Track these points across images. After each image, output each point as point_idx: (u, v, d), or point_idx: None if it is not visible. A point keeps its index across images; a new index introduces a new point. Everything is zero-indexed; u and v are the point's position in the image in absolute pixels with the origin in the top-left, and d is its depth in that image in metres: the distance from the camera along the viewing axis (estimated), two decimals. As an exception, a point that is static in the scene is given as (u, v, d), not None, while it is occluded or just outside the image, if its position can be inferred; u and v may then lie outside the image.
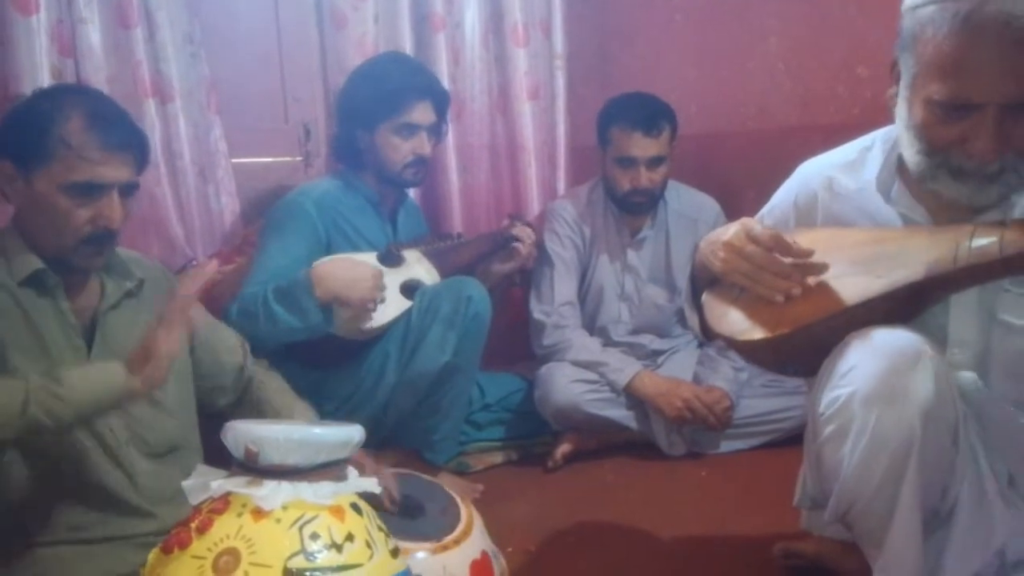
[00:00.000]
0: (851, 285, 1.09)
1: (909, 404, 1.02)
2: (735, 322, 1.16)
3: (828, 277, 1.12)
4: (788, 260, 1.12)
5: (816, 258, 1.12)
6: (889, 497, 1.05)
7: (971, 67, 1.04)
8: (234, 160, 2.12)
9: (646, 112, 2.17)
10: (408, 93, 1.92)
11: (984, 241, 1.01)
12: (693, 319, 1.33)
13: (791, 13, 2.46)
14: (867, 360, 1.05)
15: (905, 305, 1.08)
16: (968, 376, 1.14)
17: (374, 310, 1.79)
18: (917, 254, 1.06)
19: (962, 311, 1.15)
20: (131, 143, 1.24)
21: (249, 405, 1.47)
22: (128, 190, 1.24)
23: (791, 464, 1.39)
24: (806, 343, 1.11)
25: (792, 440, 1.88)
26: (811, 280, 1.12)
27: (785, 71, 2.51)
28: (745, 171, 2.44)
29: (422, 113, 1.95)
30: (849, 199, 1.25)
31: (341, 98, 2.02)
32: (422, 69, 2.07)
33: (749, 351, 1.17)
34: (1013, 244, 0.98)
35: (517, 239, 2.06)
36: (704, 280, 1.26)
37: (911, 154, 1.14)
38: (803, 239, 1.15)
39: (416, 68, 2.03)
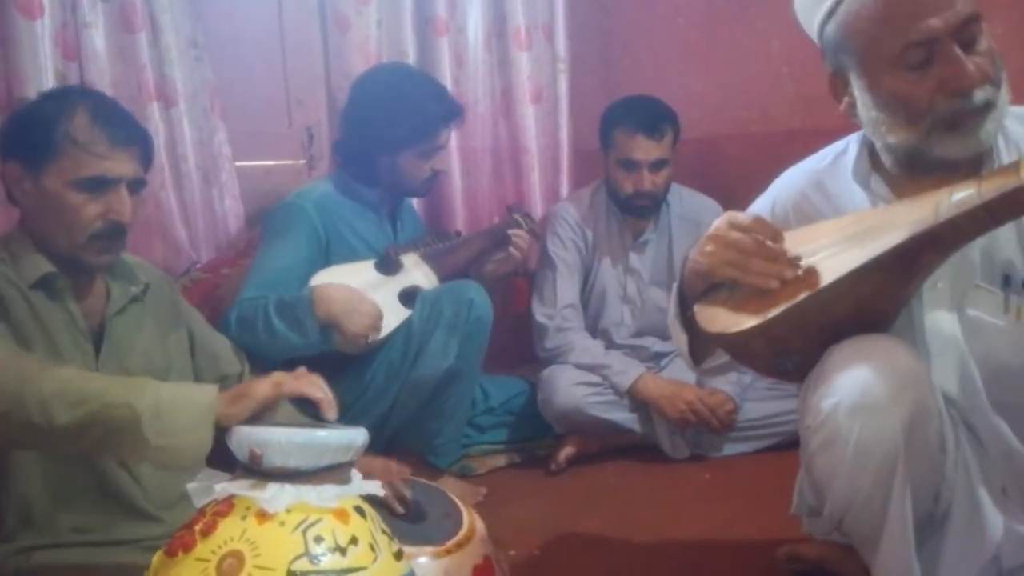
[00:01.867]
0: (838, 261, 1.06)
1: (892, 413, 1.02)
2: (726, 319, 1.12)
3: (815, 259, 1.09)
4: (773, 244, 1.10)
5: (803, 246, 1.11)
6: (879, 505, 1.05)
7: (909, 5, 1.06)
8: (238, 164, 2.13)
9: (649, 115, 2.18)
10: (439, 123, 1.95)
11: (963, 194, 0.99)
12: (681, 340, 1.29)
13: (791, 17, 2.46)
14: (849, 370, 1.05)
15: (895, 273, 1.05)
16: (952, 383, 1.14)
17: (365, 345, 1.79)
18: (900, 219, 1.04)
19: (938, 314, 1.15)
20: (136, 139, 1.25)
21: None
22: (135, 187, 1.25)
23: (794, 467, 1.38)
24: (799, 324, 1.08)
25: (795, 444, 1.87)
26: (803, 263, 1.09)
27: (788, 75, 2.51)
28: (747, 174, 2.42)
29: (446, 136, 2.00)
30: (831, 199, 1.26)
31: (356, 116, 1.97)
32: (445, 92, 2.05)
33: (743, 346, 1.13)
34: (991, 189, 0.96)
35: (513, 241, 2.05)
36: (693, 295, 1.21)
37: (899, 137, 1.12)
38: (788, 237, 1.13)
39: (441, 93, 2.02)
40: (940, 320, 1.15)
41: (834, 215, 1.23)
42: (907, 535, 1.05)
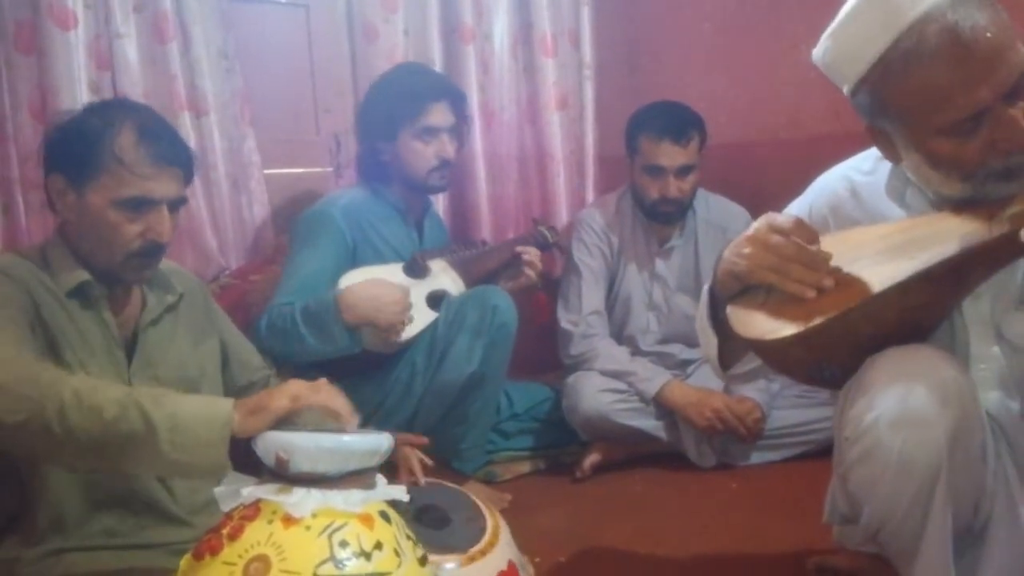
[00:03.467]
0: (884, 271, 1.03)
1: (936, 425, 1.00)
2: (763, 324, 1.08)
3: (859, 267, 1.06)
4: (814, 248, 1.07)
5: (844, 253, 1.08)
6: (919, 519, 1.04)
7: (958, 82, 1.01)
8: (266, 171, 2.16)
9: (675, 121, 2.16)
10: (423, 96, 1.93)
11: (1017, 208, 0.97)
12: (711, 343, 1.26)
13: (821, 21, 2.42)
14: (891, 382, 1.03)
15: (944, 286, 1.03)
16: (993, 395, 1.12)
17: (403, 331, 1.80)
18: (950, 231, 1.02)
19: (979, 328, 1.13)
20: (180, 159, 1.25)
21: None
22: (176, 204, 1.26)
23: (823, 476, 1.37)
24: (842, 335, 1.05)
25: (824, 452, 1.84)
26: (843, 270, 1.06)
27: (817, 80, 2.46)
28: (776, 180, 2.41)
29: (440, 115, 1.95)
30: (869, 203, 1.23)
31: (361, 115, 2.04)
32: (435, 73, 2.09)
33: (781, 353, 1.09)
34: None
35: (525, 260, 2.02)
36: (727, 296, 1.18)
37: (953, 190, 1.09)
38: (826, 241, 1.11)
39: (428, 72, 2.05)
40: (980, 333, 1.13)
41: (870, 222, 1.20)
42: (946, 547, 1.04)
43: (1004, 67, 1.00)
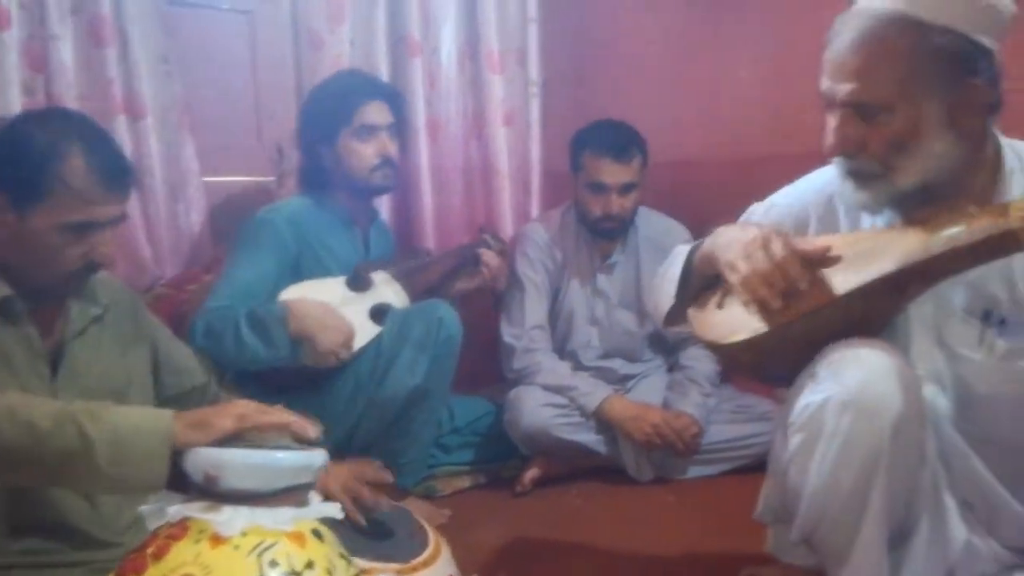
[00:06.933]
0: (834, 281, 1.10)
1: (882, 413, 1.04)
2: (718, 327, 1.19)
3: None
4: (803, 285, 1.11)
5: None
6: (858, 506, 1.06)
7: (828, 61, 1.14)
8: (206, 179, 2.12)
9: (618, 139, 2.20)
10: (358, 94, 1.93)
11: (954, 230, 1.03)
12: (665, 302, 1.34)
13: (762, 44, 2.50)
14: (842, 370, 1.07)
15: (884, 299, 1.10)
16: (929, 391, 1.15)
17: (335, 362, 1.78)
18: (891, 247, 1.08)
19: (921, 331, 1.17)
20: (126, 180, 1.22)
21: None
22: (118, 222, 1.23)
23: (757, 490, 1.39)
24: (788, 342, 1.12)
25: (759, 466, 1.89)
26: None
27: (756, 101, 2.55)
28: (717, 198, 2.45)
29: (377, 112, 1.95)
30: (840, 213, 1.28)
31: (300, 122, 2.02)
32: (370, 75, 2.09)
33: (733, 356, 1.19)
34: (979, 230, 1.00)
35: (484, 259, 2.06)
36: (699, 273, 1.28)
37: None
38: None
39: (362, 74, 2.06)
40: (922, 336, 1.17)
41: (848, 229, 1.26)
42: (881, 541, 1.06)
43: (856, 81, 1.10)
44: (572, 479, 2.16)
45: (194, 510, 0.90)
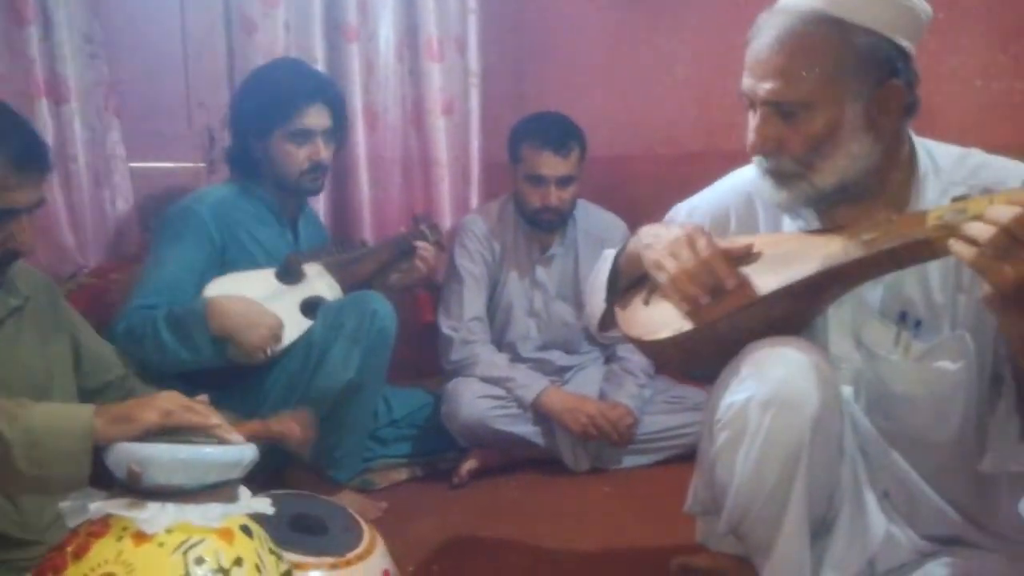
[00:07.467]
0: (757, 282, 1.12)
1: (802, 408, 1.06)
2: (643, 325, 1.20)
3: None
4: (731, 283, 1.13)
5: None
6: (781, 500, 1.09)
7: (749, 59, 1.15)
8: (133, 164, 2.05)
9: (557, 132, 2.20)
10: (298, 97, 1.87)
11: (871, 235, 1.05)
12: (598, 306, 1.34)
13: (698, 43, 2.55)
14: (764, 368, 1.09)
15: (805, 301, 1.12)
16: (847, 391, 1.19)
17: (265, 359, 1.73)
18: (813, 250, 1.10)
19: (840, 331, 1.20)
20: (43, 163, 1.18)
21: None
22: (37, 207, 1.19)
23: (690, 479, 1.42)
24: (711, 339, 1.14)
25: (692, 455, 1.93)
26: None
27: (691, 99, 2.59)
28: (652, 193, 2.50)
29: (315, 117, 1.89)
30: (768, 210, 1.30)
31: (233, 109, 1.96)
32: (314, 73, 2.02)
33: (657, 352, 1.21)
34: (897, 236, 1.02)
35: (420, 254, 2.03)
36: (627, 272, 1.28)
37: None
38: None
39: (307, 72, 1.98)
40: (841, 336, 1.20)
41: (768, 229, 1.28)
42: (803, 532, 1.09)
43: (776, 80, 1.11)
44: (509, 470, 2.17)
45: (117, 507, 0.87)
